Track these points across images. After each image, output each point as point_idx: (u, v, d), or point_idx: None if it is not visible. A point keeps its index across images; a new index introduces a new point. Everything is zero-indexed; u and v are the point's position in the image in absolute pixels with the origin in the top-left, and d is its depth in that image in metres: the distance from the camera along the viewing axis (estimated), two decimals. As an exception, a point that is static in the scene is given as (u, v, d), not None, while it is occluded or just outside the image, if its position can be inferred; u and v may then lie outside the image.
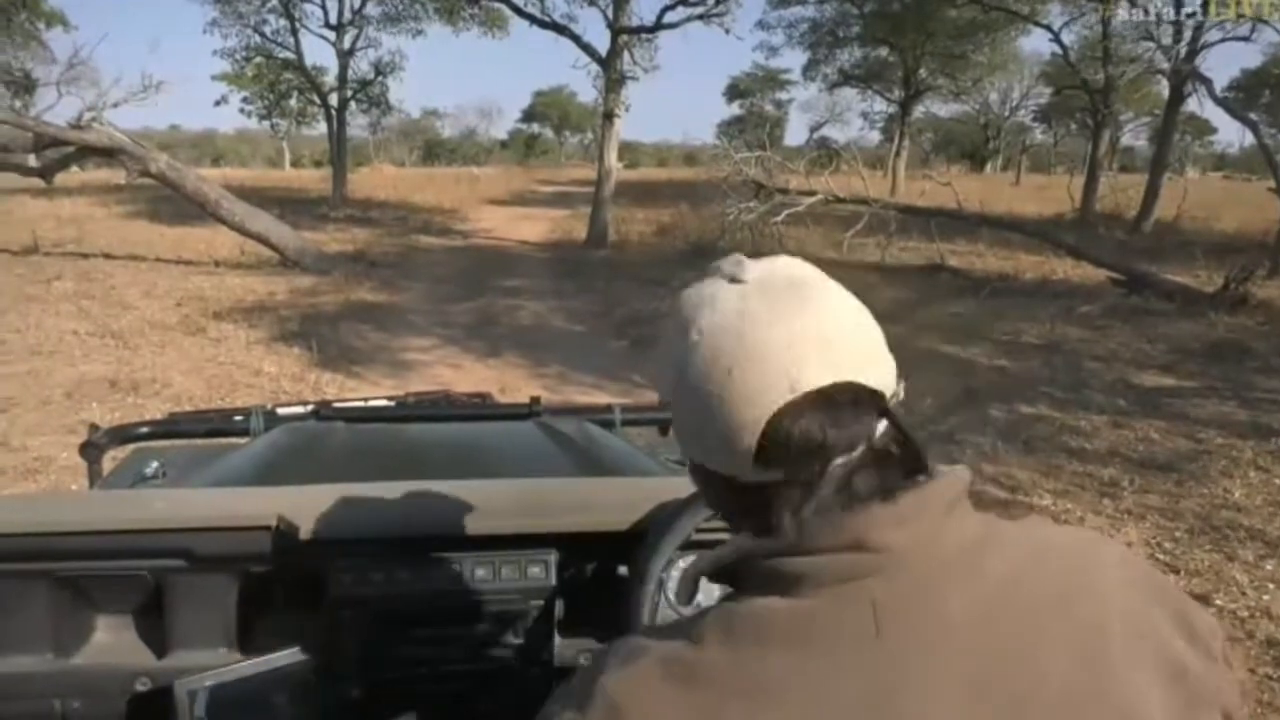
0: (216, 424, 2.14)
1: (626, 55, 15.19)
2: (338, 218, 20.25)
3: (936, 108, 45.62)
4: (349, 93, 22.52)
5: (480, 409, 2.38)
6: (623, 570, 1.33)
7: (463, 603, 1.32)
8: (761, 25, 32.51)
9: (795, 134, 65.58)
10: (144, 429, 2.07)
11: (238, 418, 2.08)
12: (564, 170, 56.35)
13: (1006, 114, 55.78)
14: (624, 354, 8.22)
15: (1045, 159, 64.80)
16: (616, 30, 15.14)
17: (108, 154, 11.22)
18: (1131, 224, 19.68)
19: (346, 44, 22.47)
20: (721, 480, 0.69)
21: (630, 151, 71.92)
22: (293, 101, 27.00)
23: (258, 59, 23.25)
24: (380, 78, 22.81)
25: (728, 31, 15.50)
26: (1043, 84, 48.92)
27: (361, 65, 23.29)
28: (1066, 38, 22.49)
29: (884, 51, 33.32)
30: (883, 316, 0.73)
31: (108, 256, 12.38)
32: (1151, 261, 13.52)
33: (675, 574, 1.21)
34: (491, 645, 1.35)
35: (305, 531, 1.27)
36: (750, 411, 0.64)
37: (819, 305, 0.67)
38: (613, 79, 14.79)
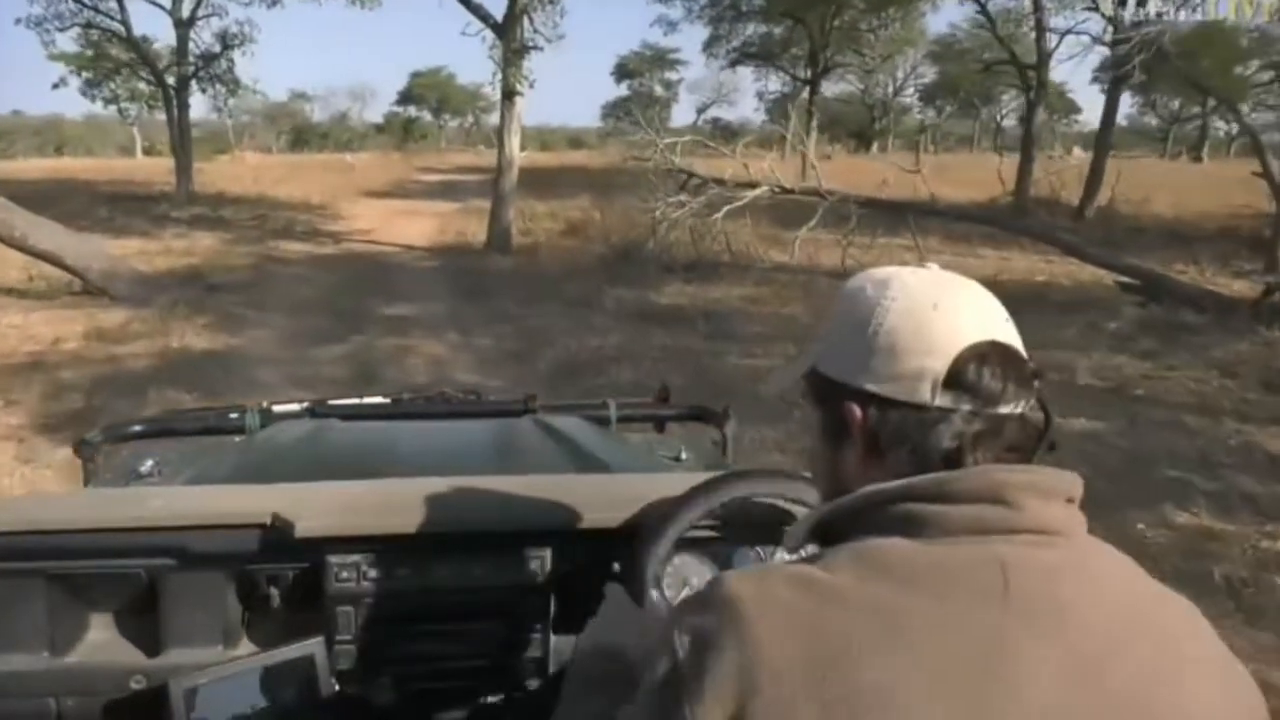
0: (211, 422, 2.08)
1: (527, 21, 12.57)
2: (181, 218, 17.02)
3: (824, 87, 44.82)
4: (189, 70, 19.04)
5: (475, 406, 2.28)
6: (616, 567, 1.31)
7: (457, 599, 1.30)
8: (658, -3, 30.21)
9: (684, 115, 63.64)
10: (138, 427, 2.02)
11: (232, 415, 2.03)
12: (446, 156, 52.98)
13: (892, 93, 55.31)
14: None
15: (916, 138, 65.08)
16: (515, -9, 12.51)
17: None
18: (1075, 210, 18.31)
19: (185, 12, 19.02)
20: (894, 407, 0.75)
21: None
22: (123, 83, 23.20)
23: (91, 32, 19.46)
24: (227, 51, 19.36)
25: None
26: (929, 63, 48.53)
27: (205, 37, 19.85)
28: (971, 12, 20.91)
29: (782, 28, 31.61)
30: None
31: None
32: (1117, 253, 11.91)
33: (670, 569, 1.23)
34: (486, 641, 1.33)
35: (300, 529, 1.25)
36: (951, 339, 0.74)
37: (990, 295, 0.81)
38: (512, 49, 12.15)
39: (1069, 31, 19.36)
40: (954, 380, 0.73)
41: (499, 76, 12.36)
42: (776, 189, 12.07)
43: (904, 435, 0.75)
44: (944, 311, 0.76)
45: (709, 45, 33.62)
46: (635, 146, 14.41)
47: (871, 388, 0.76)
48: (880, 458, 0.76)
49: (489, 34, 12.53)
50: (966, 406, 0.73)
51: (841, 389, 0.78)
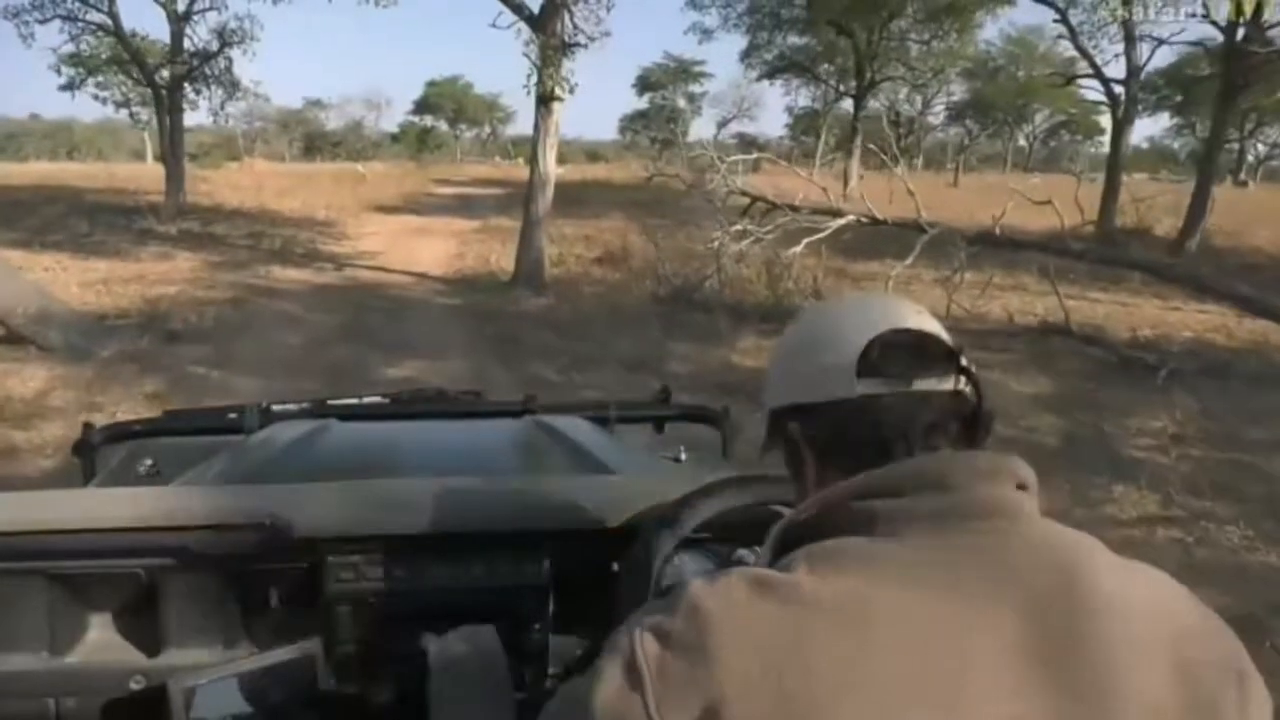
0: (210, 422, 2.06)
1: (567, 16, 10.55)
2: (166, 235, 15.08)
3: (848, 103, 43.05)
4: (183, 69, 17.10)
5: (475, 406, 2.27)
6: (616, 567, 1.29)
7: (457, 599, 1.29)
8: (693, 4, 28.21)
9: (705, 129, 61.80)
10: (138, 427, 2.03)
11: (232, 415, 1.99)
12: (462, 167, 51.26)
13: (920, 110, 53.33)
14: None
15: (939, 157, 63.15)
16: (554, -20, 10.48)
17: None
18: (1173, 242, 16.21)
19: (181, 5, 17.12)
20: (823, 410, 0.78)
21: (527, 147, 67.23)
22: (133, 86, 21.30)
23: (76, 25, 17.50)
24: (225, 50, 17.40)
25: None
26: (961, 80, 46.51)
27: (202, 34, 17.91)
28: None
29: (816, 39, 29.65)
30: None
31: None
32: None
33: (670, 570, 1.22)
34: None
35: (299, 529, 1.25)
36: (857, 334, 0.78)
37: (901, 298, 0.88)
38: (550, 46, 10.14)
39: (1164, 42, 17.33)
40: (866, 366, 0.76)
41: (533, 78, 10.33)
42: (864, 219, 10.04)
43: (840, 433, 0.77)
44: (848, 316, 0.82)
45: (747, 55, 31.64)
46: (687, 164, 12.47)
47: (800, 399, 0.80)
48: (830, 465, 0.78)
49: (523, 29, 10.51)
50: (886, 389, 0.76)
51: (782, 414, 0.83)
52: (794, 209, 10.35)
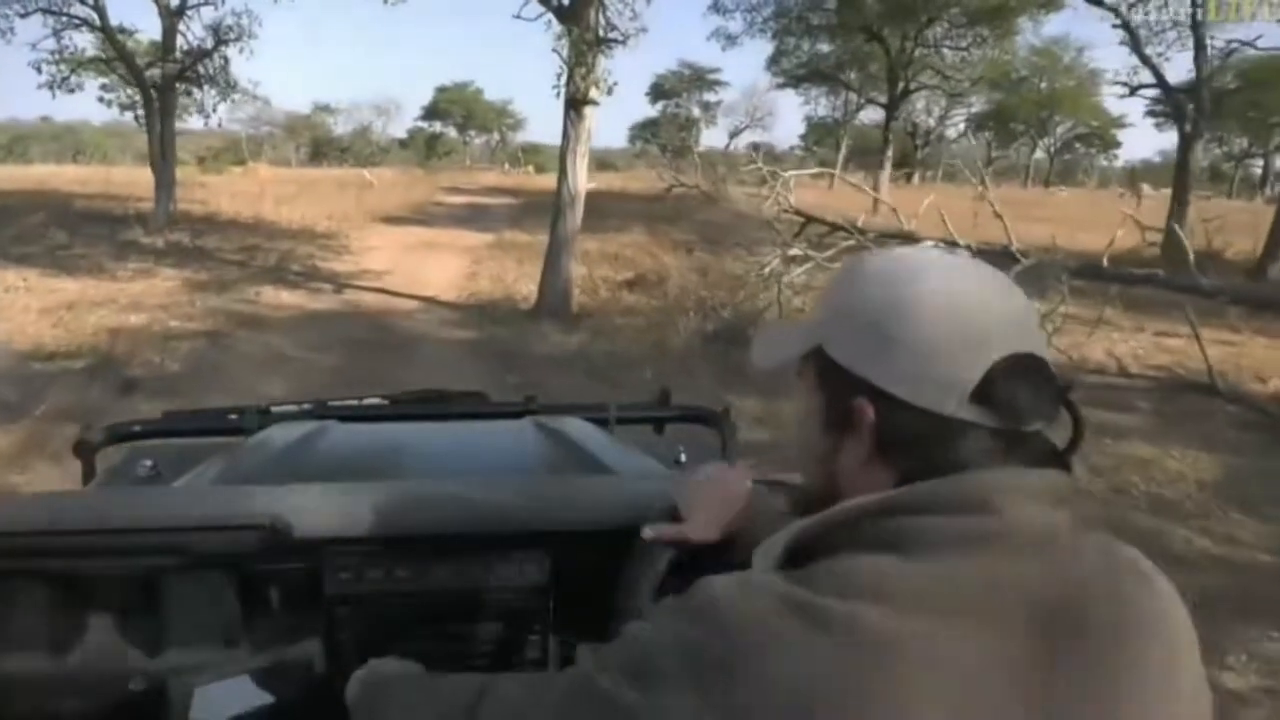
0: (211, 422, 2.02)
1: (600, 10, 9.20)
2: (151, 248, 13.78)
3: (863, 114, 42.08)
4: (175, 67, 15.79)
5: (475, 407, 2.23)
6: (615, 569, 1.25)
7: (457, 601, 1.28)
8: (717, 8, 26.90)
9: (718, 138, 60.67)
10: (138, 427, 1.97)
11: (232, 416, 1.97)
12: (472, 174, 49.96)
13: (936, 121, 52.11)
14: None
15: (986, 170, 61.78)
16: (586, -31, 9.13)
17: None
18: (1252, 268, 14.82)
19: (174, 0, 15.82)
20: (910, 411, 0.69)
21: (536, 154, 66.20)
22: (117, 85, 20.11)
23: (59, 20, 16.12)
24: (220, 47, 16.09)
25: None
26: (984, 90, 45.31)
27: (196, 31, 16.59)
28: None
29: (839, 46, 28.39)
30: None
31: None
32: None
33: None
34: (485, 643, 1.30)
35: (300, 530, 1.24)
36: (985, 347, 0.68)
37: (1023, 295, 0.74)
38: (584, 41, 8.78)
39: (1247, 44, 15.96)
40: (984, 394, 0.68)
41: (563, 78, 8.97)
42: (942, 243, 8.67)
43: (917, 443, 0.70)
44: (982, 314, 0.70)
45: (774, 61, 30.32)
46: (707, 174, 11.19)
47: (890, 388, 0.70)
48: (884, 460, 0.72)
49: (552, 23, 9.16)
50: (991, 423, 0.69)
51: (855, 382, 0.72)
52: (860, 231, 9.04)
